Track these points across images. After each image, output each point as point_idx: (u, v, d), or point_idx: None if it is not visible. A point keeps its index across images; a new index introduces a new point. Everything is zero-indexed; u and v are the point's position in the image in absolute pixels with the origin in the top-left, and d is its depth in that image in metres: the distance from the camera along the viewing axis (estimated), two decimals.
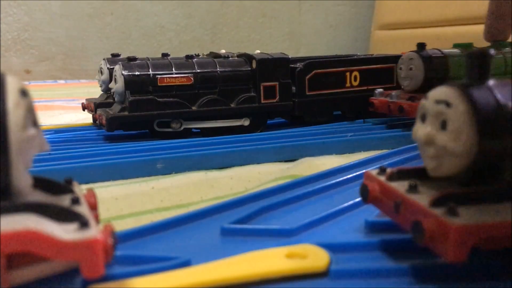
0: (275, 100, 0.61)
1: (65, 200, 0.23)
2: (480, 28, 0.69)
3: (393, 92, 0.60)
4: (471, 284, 0.23)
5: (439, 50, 0.60)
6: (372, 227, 0.29)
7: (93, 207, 0.24)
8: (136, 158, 0.47)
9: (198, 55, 0.64)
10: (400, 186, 0.26)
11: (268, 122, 0.63)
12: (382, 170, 0.28)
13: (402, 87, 0.61)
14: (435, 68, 0.59)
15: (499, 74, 0.58)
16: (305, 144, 0.53)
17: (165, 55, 0.61)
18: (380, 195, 0.27)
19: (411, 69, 0.59)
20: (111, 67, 0.61)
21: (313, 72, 0.63)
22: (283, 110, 0.62)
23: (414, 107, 0.55)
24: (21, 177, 0.21)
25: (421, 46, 0.60)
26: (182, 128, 0.57)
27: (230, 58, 0.62)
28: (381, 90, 0.63)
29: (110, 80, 0.60)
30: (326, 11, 1.77)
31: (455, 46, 0.63)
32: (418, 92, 0.58)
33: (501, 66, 0.60)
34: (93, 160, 0.46)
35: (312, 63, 0.63)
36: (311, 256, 0.25)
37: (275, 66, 0.60)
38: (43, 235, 0.19)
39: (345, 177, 0.40)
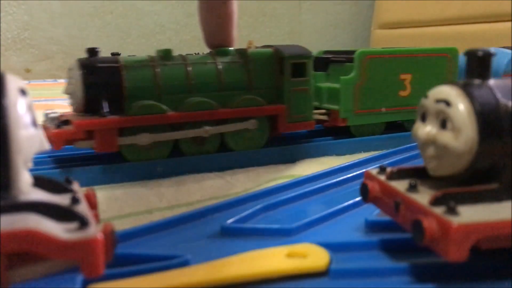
0: None
1: (65, 200, 0.23)
2: (481, 27, 0.69)
3: (55, 114, 0.44)
4: (471, 283, 0.23)
5: (116, 57, 0.45)
6: (372, 226, 0.29)
7: (93, 206, 0.24)
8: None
9: (198, 54, 0.64)
10: (400, 185, 0.26)
11: None
12: (382, 170, 0.28)
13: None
14: (100, 83, 0.43)
15: (179, 87, 0.45)
16: (305, 145, 0.53)
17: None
18: (380, 195, 0.27)
19: (72, 83, 0.44)
20: None
21: None
22: None
23: (60, 136, 0.41)
24: (21, 176, 0.21)
25: (91, 51, 0.44)
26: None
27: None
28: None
29: None
30: (326, 10, 1.77)
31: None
32: (84, 113, 0.43)
33: (182, 78, 0.46)
34: (93, 163, 0.46)
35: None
36: (311, 256, 0.25)
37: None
38: (43, 234, 0.19)
39: (345, 177, 0.40)
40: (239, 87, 0.49)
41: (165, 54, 0.47)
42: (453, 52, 0.59)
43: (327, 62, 0.59)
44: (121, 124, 0.43)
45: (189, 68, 0.47)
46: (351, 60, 0.54)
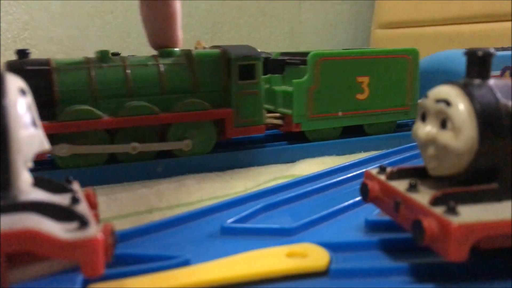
0: None
1: (65, 199, 0.23)
2: (481, 27, 0.68)
3: None
4: (471, 283, 0.23)
5: (48, 60, 0.42)
6: (372, 226, 0.29)
7: (93, 206, 0.24)
8: (137, 161, 0.46)
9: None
10: (400, 185, 0.26)
11: None
12: (382, 169, 0.28)
13: None
14: (29, 87, 0.39)
15: (116, 91, 0.43)
16: (305, 145, 0.53)
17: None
18: (380, 194, 0.27)
19: None
20: None
21: None
22: None
23: None
24: (21, 176, 0.21)
25: (21, 53, 0.41)
26: None
27: None
28: None
29: None
30: (326, 10, 1.77)
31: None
32: None
33: (120, 81, 0.44)
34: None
35: None
36: (311, 255, 0.25)
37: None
38: (43, 234, 0.19)
39: (345, 176, 0.40)
40: (183, 90, 0.46)
41: (102, 56, 0.44)
42: (413, 53, 0.56)
43: (283, 64, 0.56)
44: (50, 130, 0.40)
45: (128, 71, 0.44)
46: (305, 63, 0.52)
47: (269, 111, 0.53)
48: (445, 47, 0.72)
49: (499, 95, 0.24)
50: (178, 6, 0.47)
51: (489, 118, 0.24)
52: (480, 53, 0.25)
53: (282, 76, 0.56)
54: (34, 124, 0.22)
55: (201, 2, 1.64)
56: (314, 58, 0.51)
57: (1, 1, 1.35)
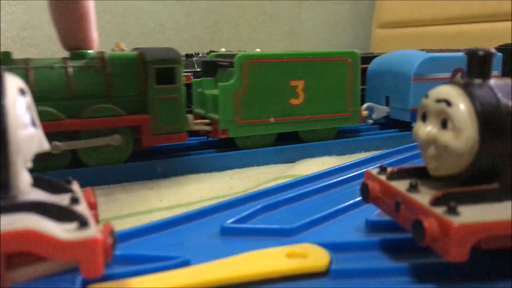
0: None
1: (64, 200, 0.23)
2: (482, 27, 0.67)
3: None
4: (471, 284, 0.23)
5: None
6: (373, 226, 0.29)
7: (93, 206, 0.24)
8: (136, 161, 0.46)
9: (198, 54, 0.64)
10: (401, 185, 0.26)
11: None
12: (382, 169, 0.28)
13: None
14: None
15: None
16: (305, 146, 0.53)
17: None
18: (381, 195, 0.27)
19: None
20: None
21: None
22: None
23: None
24: (21, 176, 0.21)
25: None
26: None
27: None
28: None
29: None
30: (326, 9, 1.77)
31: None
32: None
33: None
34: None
35: None
36: (312, 256, 0.25)
37: None
38: (43, 234, 0.19)
39: (345, 176, 0.40)
40: (95, 95, 0.43)
41: (3, 58, 0.41)
42: (353, 56, 0.53)
43: (215, 66, 0.53)
44: None
45: (31, 74, 0.41)
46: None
47: (202, 117, 0.51)
48: (446, 47, 0.72)
49: (499, 95, 0.24)
50: (90, 6, 0.44)
51: (489, 118, 0.23)
52: (480, 53, 0.25)
53: (214, 79, 0.53)
54: (33, 124, 0.22)
55: (201, 2, 1.64)
56: (241, 60, 0.48)
57: (1, 1, 1.35)
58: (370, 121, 0.60)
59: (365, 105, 0.58)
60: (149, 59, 0.44)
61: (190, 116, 0.47)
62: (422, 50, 0.60)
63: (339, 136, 0.56)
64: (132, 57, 0.44)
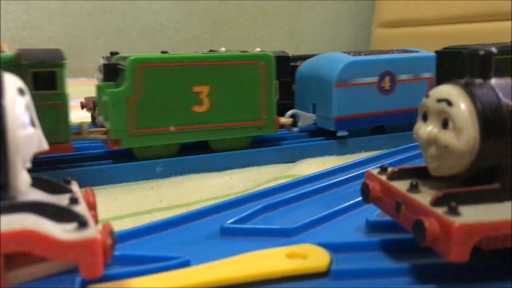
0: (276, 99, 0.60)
1: (63, 200, 0.23)
2: (482, 26, 0.66)
3: None
4: (472, 284, 0.23)
5: None
6: (373, 226, 0.29)
7: (92, 207, 0.24)
8: (136, 161, 0.46)
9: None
10: (401, 185, 0.26)
11: None
12: (383, 169, 0.28)
13: None
14: None
15: None
16: (305, 145, 0.53)
17: (164, 53, 0.60)
18: (381, 195, 0.27)
19: None
20: None
21: None
22: (284, 108, 0.61)
23: None
24: (19, 176, 0.21)
25: None
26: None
27: None
28: None
29: None
30: (326, 8, 1.77)
31: None
32: None
33: None
34: (92, 164, 0.45)
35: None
36: (312, 256, 0.25)
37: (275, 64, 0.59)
38: (42, 235, 0.19)
39: (345, 177, 0.40)
40: None
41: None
42: (266, 59, 0.48)
43: (117, 70, 0.47)
44: None
45: None
46: None
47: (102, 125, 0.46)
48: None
49: (501, 94, 0.24)
50: None
51: (491, 118, 0.23)
52: (481, 53, 0.25)
53: (115, 83, 0.47)
54: (32, 124, 0.22)
55: (200, 1, 1.64)
56: (133, 64, 0.44)
57: (1, 1, 1.34)
58: (295, 129, 0.54)
59: (289, 112, 0.54)
60: (25, 62, 0.39)
61: (85, 124, 0.44)
62: (349, 53, 0.55)
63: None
64: (7, 60, 0.40)
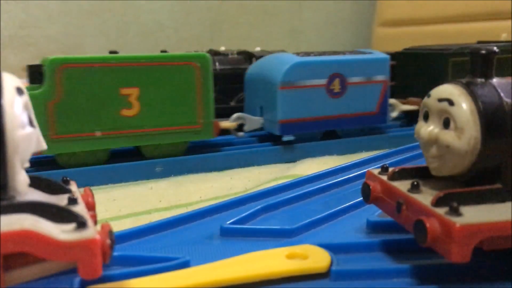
0: None
1: (62, 200, 0.22)
2: (483, 25, 0.65)
3: None
4: (473, 285, 0.23)
5: None
6: (374, 227, 0.29)
7: (91, 207, 0.24)
8: (135, 161, 0.46)
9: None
10: (402, 186, 0.26)
11: None
12: (383, 169, 0.28)
13: None
14: None
15: None
16: (305, 145, 0.52)
17: (163, 52, 0.60)
18: (382, 195, 0.27)
19: None
20: None
21: None
22: None
23: None
24: (18, 177, 0.21)
25: None
26: None
27: (230, 56, 0.62)
28: None
29: None
30: (327, 8, 1.77)
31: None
32: None
33: None
34: (92, 164, 0.44)
35: None
36: (312, 257, 0.25)
37: None
38: (40, 235, 0.19)
39: (346, 177, 0.40)
40: None
41: None
42: (202, 60, 0.46)
43: (42, 72, 0.44)
44: None
45: None
46: None
47: None
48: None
49: (502, 94, 0.24)
50: None
51: (492, 117, 0.23)
52: (483, 52, 0.25)
53: (39, 86, 0.44)
54: (31, 123, 0.21)
55: (200, 1, 1.63)
56: (53, 64, 0.41)
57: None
58: (241, 134, 0.52)
59: (234, 116, 0.51)
60: None
61: None
62: (298, 53, 0.53)
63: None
64: None
